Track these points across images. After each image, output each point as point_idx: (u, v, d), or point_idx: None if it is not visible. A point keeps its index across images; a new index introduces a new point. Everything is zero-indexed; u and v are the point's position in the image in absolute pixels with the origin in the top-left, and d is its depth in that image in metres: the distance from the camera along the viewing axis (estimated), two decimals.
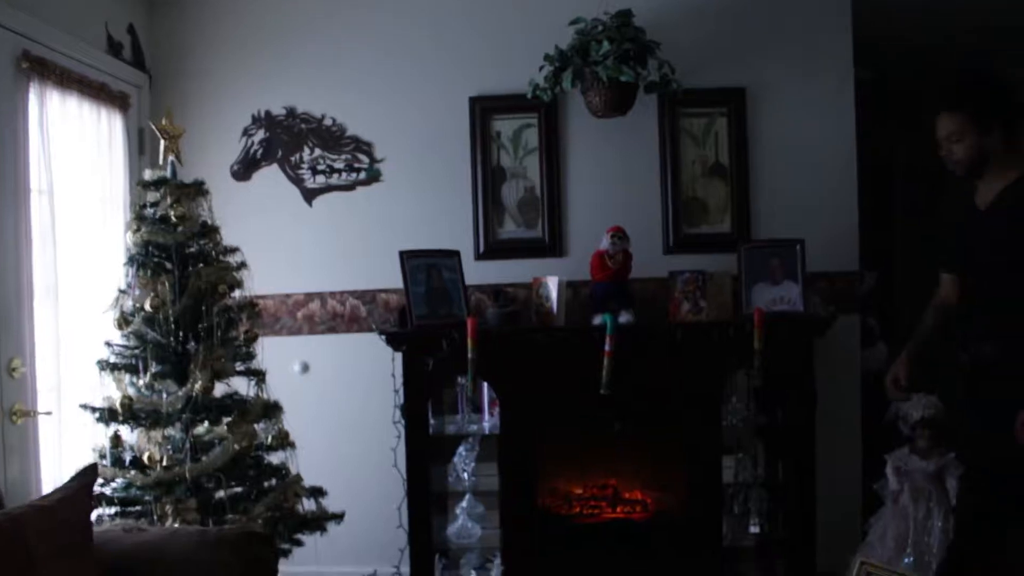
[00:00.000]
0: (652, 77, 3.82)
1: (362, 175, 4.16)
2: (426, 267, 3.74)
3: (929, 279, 3.38)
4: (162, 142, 3.20)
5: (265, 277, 4.03)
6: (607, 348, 3.48)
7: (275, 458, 3.30)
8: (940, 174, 3.26)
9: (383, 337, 3.67)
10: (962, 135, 2.94)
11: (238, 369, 3.21)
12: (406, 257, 3.70)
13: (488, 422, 3.86)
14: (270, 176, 4.19)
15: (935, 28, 4.74)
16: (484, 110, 4.09)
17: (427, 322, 3.65)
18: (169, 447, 2.96)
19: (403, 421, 3.69)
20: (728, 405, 3.81)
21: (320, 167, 4.17)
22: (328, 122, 4.17)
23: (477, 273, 4.01)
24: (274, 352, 4.00)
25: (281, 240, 4.16)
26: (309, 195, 4.18)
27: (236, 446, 3.00)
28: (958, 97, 3.01)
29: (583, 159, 4.11)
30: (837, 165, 4.07)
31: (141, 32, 4.09)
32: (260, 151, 4.18)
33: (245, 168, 4.18)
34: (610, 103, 3.72)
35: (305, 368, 4.15)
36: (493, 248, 4.10)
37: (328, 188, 4.17)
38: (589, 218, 4.07)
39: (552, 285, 3.75)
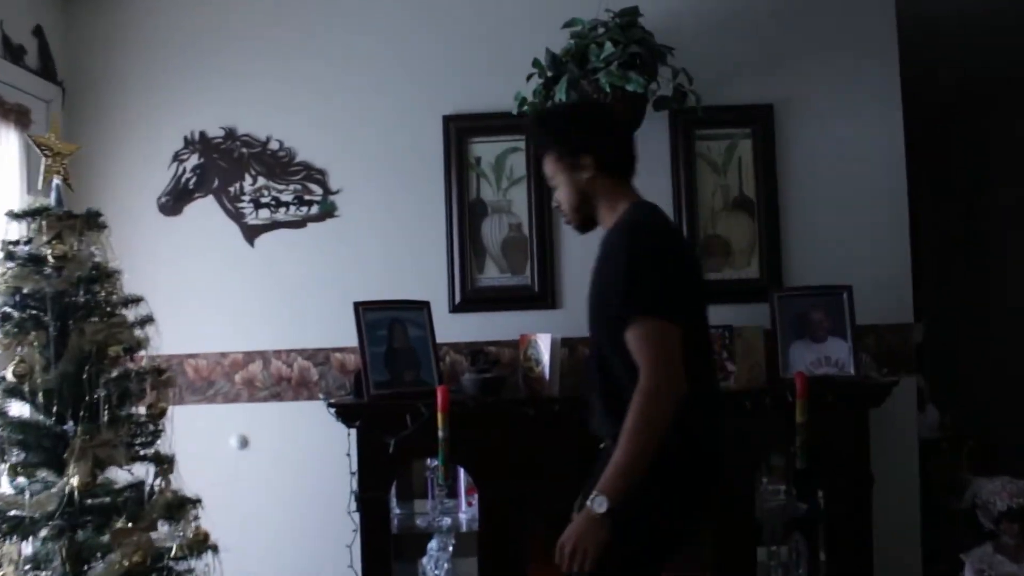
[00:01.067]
0: (662, 92, 3.16)
1: (314, 209, 3.46)
2: (388, 322, 3.03)
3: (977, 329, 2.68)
4: (43, 160, 2.50)
5: (197, 332, 3.38)
6: None
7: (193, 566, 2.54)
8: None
9: (332, 410, 2.94)
10: (554, 177, 2.29)
11: (139, 454, 2.48)
12: (362, 309, 2.99)
13: (465, 513, 3.13)
14: (205, 210, 3.48)
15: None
16: (461, 131, 3.41)
17: (387, 391, 2.94)
18: (28, 567, 2.20)
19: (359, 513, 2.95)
20: (762, 489, 3.09)
21: (264, 199, 3.47)
22: (274, 146, 3.47)
23: (452, 329, 3.31)
24: (206, 423, 3.36)
25: (217, 287, 3.45)
26: (251, 233, 3.47)
27: (126, 561, 2.25)
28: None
29: None
30: (884, 195, 3.40)
31: (52, 36, 3.40)
32: (193, 180, 3.48)
33: (175, 200, 3.48)
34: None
35: (244, 443, 3.41)
36: (471, 298, 3.39)
37: (273, 224, 3.46)
38: (588, 261, 3.36)
39: (544, 344, 3.03)
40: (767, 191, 3.38)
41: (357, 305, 2.99)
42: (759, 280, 3.35)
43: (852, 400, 2.95)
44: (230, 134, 3.47)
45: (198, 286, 3.43)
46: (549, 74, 3.07)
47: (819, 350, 3.07)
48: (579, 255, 3.39)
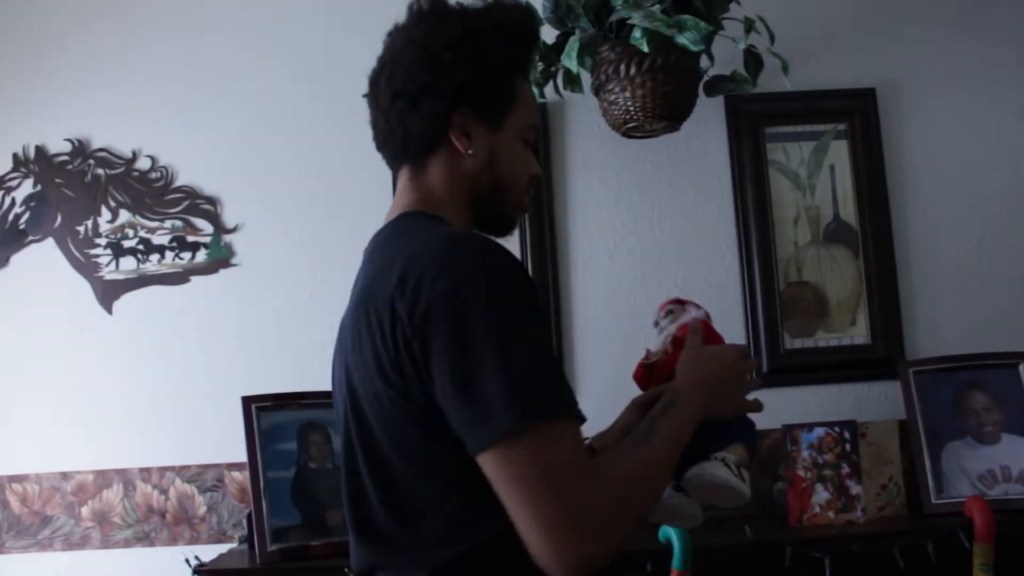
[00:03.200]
0: (716, 70, 2.08)
1: (201, 255, 2.32)
2: (299, 428, 1.88)
3: None
4: None
5: (25, 443, 2.24)
6: None
7: None
8: None
9: None
10: None
11: None
12: (256, 408, 1.84)
13: None
14: (41, 259, 2.34)
15: None
16: None
17: (295, 545, 1.77)
18: None
19: None
20: None
21: (128, 242, 2.34)
22: (144, 164, 2.35)
23: None
24: None
25: (56, 375, 2.30)
26: (108, 292, 2.33)
27: None
28: None
29: (594, 217, 2.31)
30: None
31: None
32: (26, 216, 2.35)
33: None
34: (655, 100, 1.93)
35: None
36: None
37: (141, 279, 2.33)
38: (607, 321, 2.25)
39: None
40: (876, 215, 2.27)
41: (247, 402, 1.85)
42: (871, 347, 2.22)
43: None
44: (80, 149, 2.36)
45: (28, 374, 2.28)
46: (557, 32, 1.98)
47: (989, 456, 1.94)
48: (597, 311, 2.26)
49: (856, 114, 2.30)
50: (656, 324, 1.51)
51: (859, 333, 2.24)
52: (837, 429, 1.88)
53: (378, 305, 1.04)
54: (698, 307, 1.46)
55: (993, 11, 2.37)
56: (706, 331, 1.38)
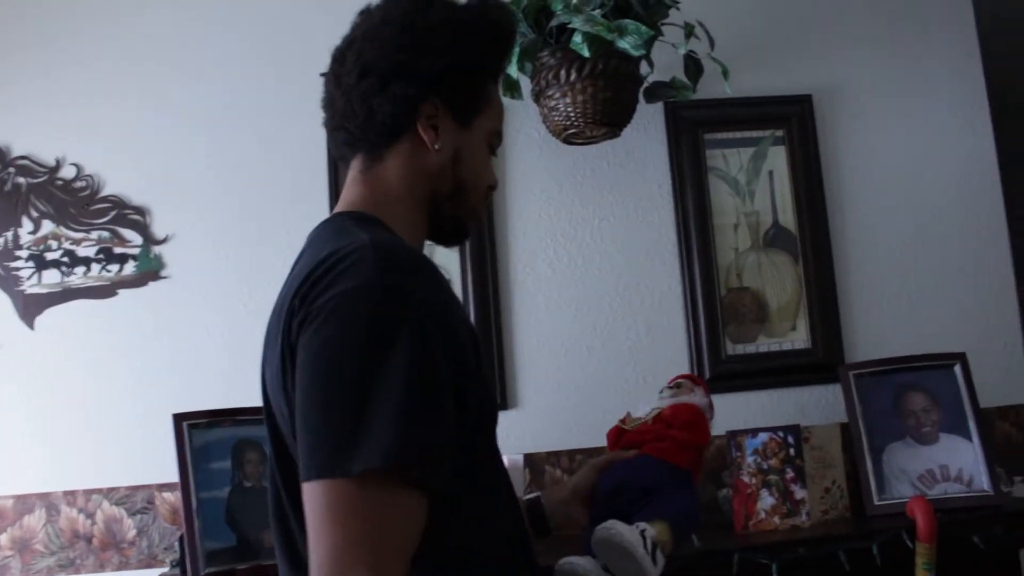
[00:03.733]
0: (655, 76, 2.08)
1: (129, 267, 2.23)
2: (234, 445, 1.81)
3: None
4: None
5: None
6: None
7: None
8: None
9: None
10: None
11: None
12: (188, 427, 1.77)
13: None
14: None
15: None
16: None
17: (226, 568, 1.70)
18: None
19: None
20: None
21: (52, 254, 2.24)
22: (69, 172, 2.26)
23: None
24: None
25: None
26: (30, 307, 2.22)
27: None
28: None
29: (535, 224, 2.28)
30: (973, 219, 2.36)
31: None
32: None
33: None
34: (596, 106, 1.92)
35: None
36: None
37: (65, 293, 2.22)
38: (549, 329, 2.23)
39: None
40: (814, 220, 2.29)
41: (179, 419, 1.77)
42: (812, 352, 2.23)
43: (1001, 540, 1.82)
44: None
45: None
46: None
47: (929, 456, 1.96)
48: (540, 326, 2.24)
49: (793, 120, 2.32)
50: (660, 392, 1.49)
51: (799, 338, 2.24)
52: (781, 434, 1.87)
53: (285, 306, 0.97)
54: (707, 393, 1.45)
55: (925, 19, 2.42)
56: (697, 421, 1.36)
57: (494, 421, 1.08)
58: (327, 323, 0.90)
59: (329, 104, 1.13)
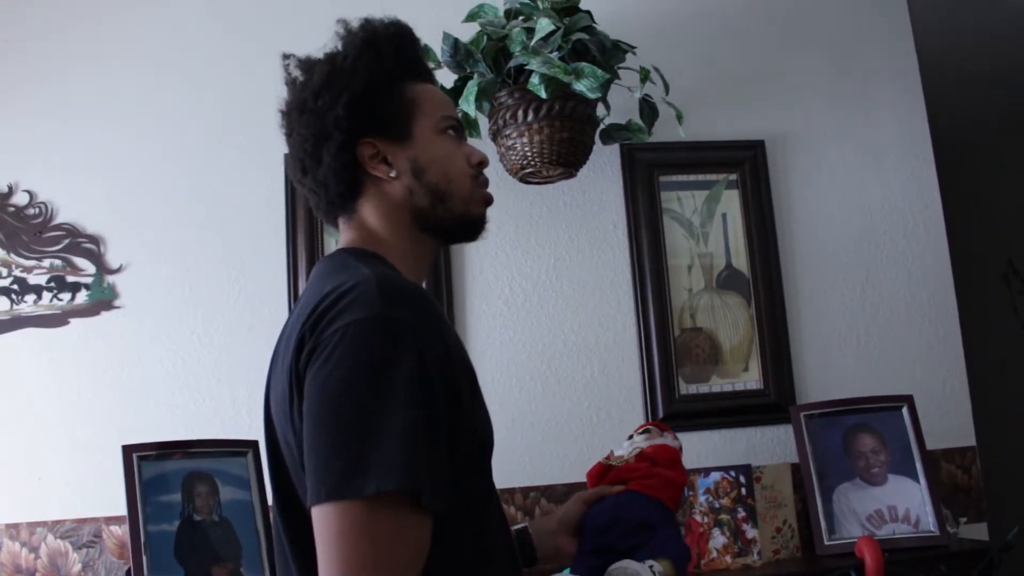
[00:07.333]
0: (611, 119, 2.12)
1: (81, 296, 2.21)
2: (183, 478, 1.79)
3: None
4: None
5: None
6: None
7: None
8: None
9: None
10: None
11: None
12: (137, 459, 1.75)
13: None
14: None
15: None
16: None
17: None
18: None
19: None
20: None
21: (2, 282, 2.21)
22: (21, 199, 2.24)
23: None
24: None
25: None
26: None
27: None
28: None
29: (491, 262, 2.30)
30: (919, 261, 2.42)
31: None
32: None
33: None
34: (552, 146, 1.95)
35: None
36: None
37: (16, 321, 2.19)
38: (504, 368, 2.24)
39: None
40: (766, 263, 2.33)
41: (128, 451, 1.75)
42: (764, 392, 2.26)
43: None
44: None
45: None
46: (456, 74, 1.97)
47: (877, 497, 1.99)
48: (491, 363, 2.25)
49: (747, 164, 2.37)
50: (630, 437, 1.54)
51: (752, 378, 2.28)
52: (733, 473, 1.90)
53: (295, 336, 1.00)
54: (675, 438, 1.50)
55: (873, 70, 2.50)
56: (678, 460, 1.44)
57: (489, 452, 1.12)
58: (335, 352, 0.93)
59: (308, 198, 1.21)
